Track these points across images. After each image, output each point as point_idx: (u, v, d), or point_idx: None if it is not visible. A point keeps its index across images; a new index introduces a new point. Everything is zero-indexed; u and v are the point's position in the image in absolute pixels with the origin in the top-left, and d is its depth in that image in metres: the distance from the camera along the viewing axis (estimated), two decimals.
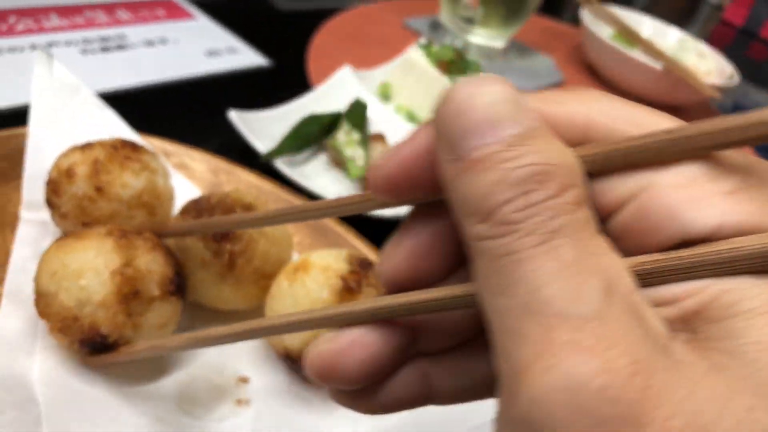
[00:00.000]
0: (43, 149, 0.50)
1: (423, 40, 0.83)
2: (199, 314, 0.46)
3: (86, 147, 0.44)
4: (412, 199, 0.24)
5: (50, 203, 0.43)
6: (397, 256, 0.24)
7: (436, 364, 0.26)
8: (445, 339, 0.26)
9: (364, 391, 0.25)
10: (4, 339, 0.39)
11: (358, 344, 0.24)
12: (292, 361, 0.43)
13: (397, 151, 0.22)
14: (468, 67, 0.75)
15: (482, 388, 0.26)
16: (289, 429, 0.42)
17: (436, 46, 0.78)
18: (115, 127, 0.54)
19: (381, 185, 0.23)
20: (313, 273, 0.43)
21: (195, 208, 0.44)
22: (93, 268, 0.37)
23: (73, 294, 0.37)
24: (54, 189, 0.43)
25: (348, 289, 0.42)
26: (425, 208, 0.24)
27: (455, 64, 0.75)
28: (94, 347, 0.37)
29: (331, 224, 0.56)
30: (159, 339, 0.38)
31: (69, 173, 0.42)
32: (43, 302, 0.38)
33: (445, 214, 0.23)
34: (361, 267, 0.44)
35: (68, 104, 0.53)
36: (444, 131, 0.20)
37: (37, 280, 0.39)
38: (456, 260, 0.24)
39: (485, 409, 0.43)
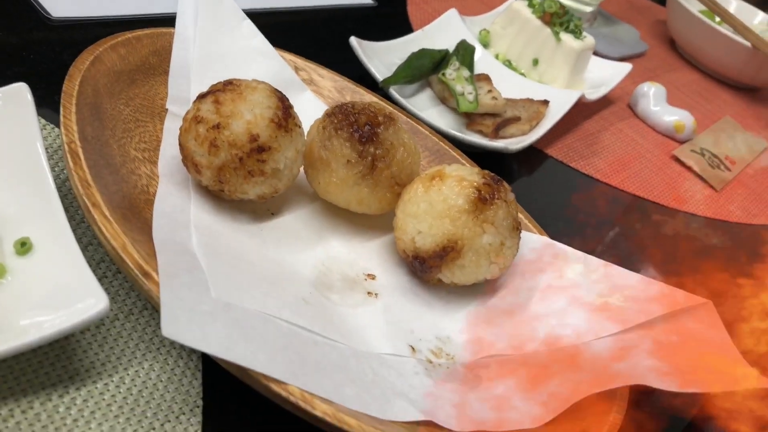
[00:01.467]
0: (187, 49, 0.53)
1: None
2: (330, 215, 0.49)
3: None
4: None
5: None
6: None
7: None
8: None
9: None
10: (165, 215, 0.42)
11: None
12: (421, 261, 0.45)
13: None
14: (570, 20, 0.77)
15: None
16: (414, 323, 0.45)
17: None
18: (252, 36, 0.57)
19: None
20: (449, 182, 0.45)
21: (341, 111, 0.47)
22: None
23: None
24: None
25: (482, 200, 0.44)
26: None
27: (558, 17, 0.76)
28: None
29: (448, 149, 0.58)
30: None
31: None
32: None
33: None
34: (493, 181, 0.46)
35: (211, 11, 0.55)
36: None
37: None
38: None
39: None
